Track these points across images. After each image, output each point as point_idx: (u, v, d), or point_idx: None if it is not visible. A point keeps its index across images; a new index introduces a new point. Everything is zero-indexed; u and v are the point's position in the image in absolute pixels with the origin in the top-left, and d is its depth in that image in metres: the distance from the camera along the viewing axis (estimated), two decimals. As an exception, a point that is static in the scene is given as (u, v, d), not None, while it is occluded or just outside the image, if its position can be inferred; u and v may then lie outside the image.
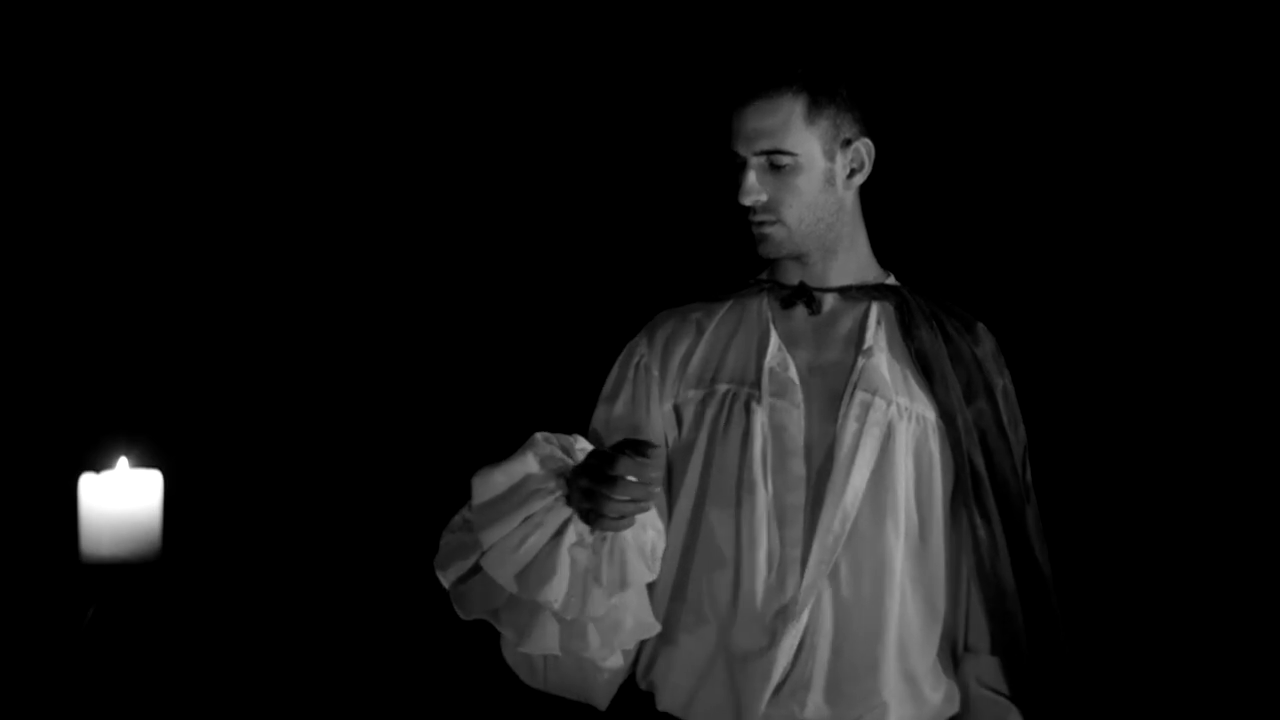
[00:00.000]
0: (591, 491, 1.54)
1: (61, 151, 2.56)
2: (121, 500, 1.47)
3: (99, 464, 1.48)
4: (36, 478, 2.33)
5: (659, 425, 1.84)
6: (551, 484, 1.60)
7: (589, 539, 1.59)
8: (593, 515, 1.55)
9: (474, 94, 2.66)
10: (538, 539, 1.58)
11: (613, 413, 1.87)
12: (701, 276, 2.07)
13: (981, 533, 1.78)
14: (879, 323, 1.86)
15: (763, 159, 1.79)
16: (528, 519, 1.59)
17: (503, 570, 1.58)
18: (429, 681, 2.56)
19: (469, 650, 2.54)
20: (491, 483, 1.62)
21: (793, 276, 1.89)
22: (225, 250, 2.61)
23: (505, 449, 2.56)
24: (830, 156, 1.81)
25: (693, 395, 1.84)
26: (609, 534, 1.58)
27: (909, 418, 1.79)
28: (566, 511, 1.59)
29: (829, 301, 1.88)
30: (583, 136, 2.63)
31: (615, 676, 1.78)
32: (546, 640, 1.64)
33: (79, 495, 1.47)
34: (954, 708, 1.80)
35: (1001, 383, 1.88)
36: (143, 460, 1.51)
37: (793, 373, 1.81)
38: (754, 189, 1.79)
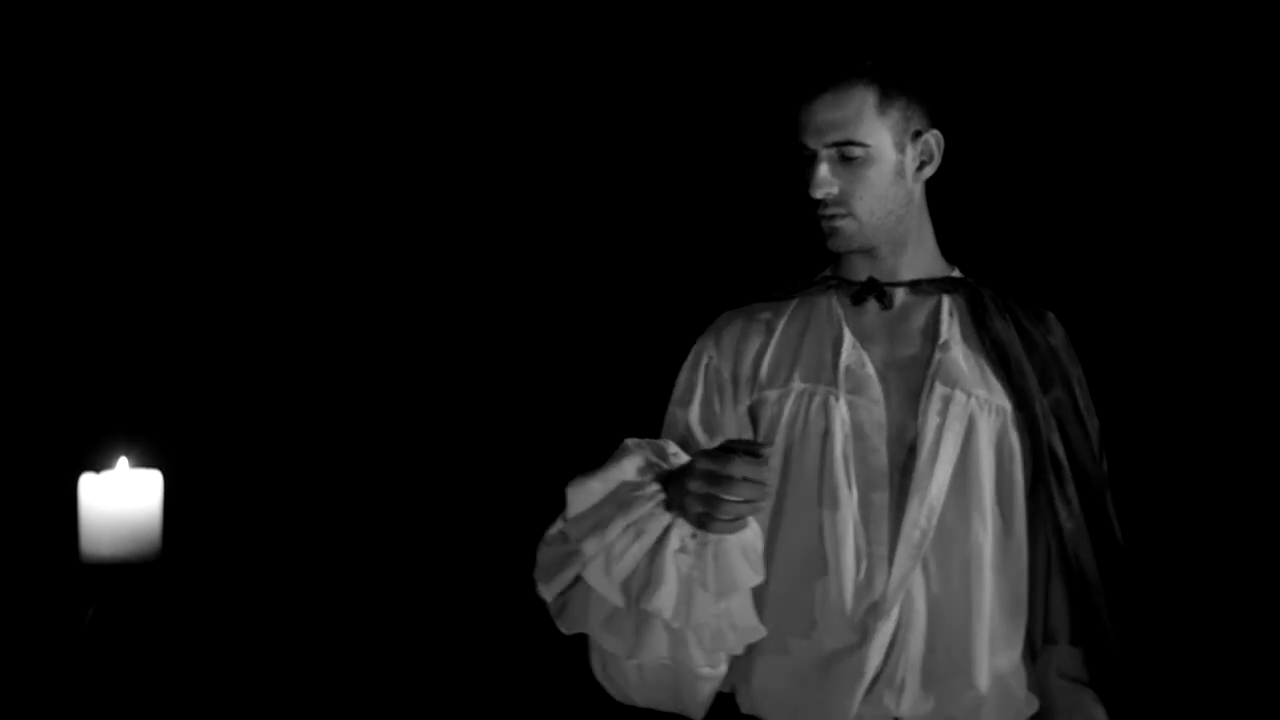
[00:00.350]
0: (707, 495, 1.51)
1: (61, 151, 2.55)
2: (121, 500, 1.47)
3: (99, 464, 1.49)
4: (36, 478, 2.33)
5: (733, 427, 1.83)
6: (649, 490, 1.58)
7: (691, 544, 1.57)
8: (706, 519, 1.53)
9: (527, 90, 2.64)
10: (640, 547, 1.56)
11: (688, 416, 1.84)
12: (757, 275, 2.06)
13: (1066, 522, 1.76)
14: (952, 315, 1.85)
15: (833, 151, 1.77)
16: (628, 527, 1.56)
17: (606, 581, 1.56)
18: (429, 681, 2.55)
19: (469, 650, 2.54)
20: (588, 491, 1.60)
21: (861, 272, 1.88)
22: (225, 250, 2.61)
23: (510, 452, 2.58)
24: (900, 149, 1.80)
25: (768, 396, 1.82)
26: (711, 539, 1.55)
27: (988, 410, 1.78)
28: (667, 517, 1.56)
29: (899, 296, 1.87)
30: (634, 134, 2.61)
31: (714, 684, 1.72)
32: (656, 650, 1.60)
33: (79, 495, 1.47)
34: (1036, 705, 1.77)
35: (1076, 372, 1.87)
36: (143, 460, 1.51)
37: (870, 369, 1.79)
38: (826, 181, 1.78)
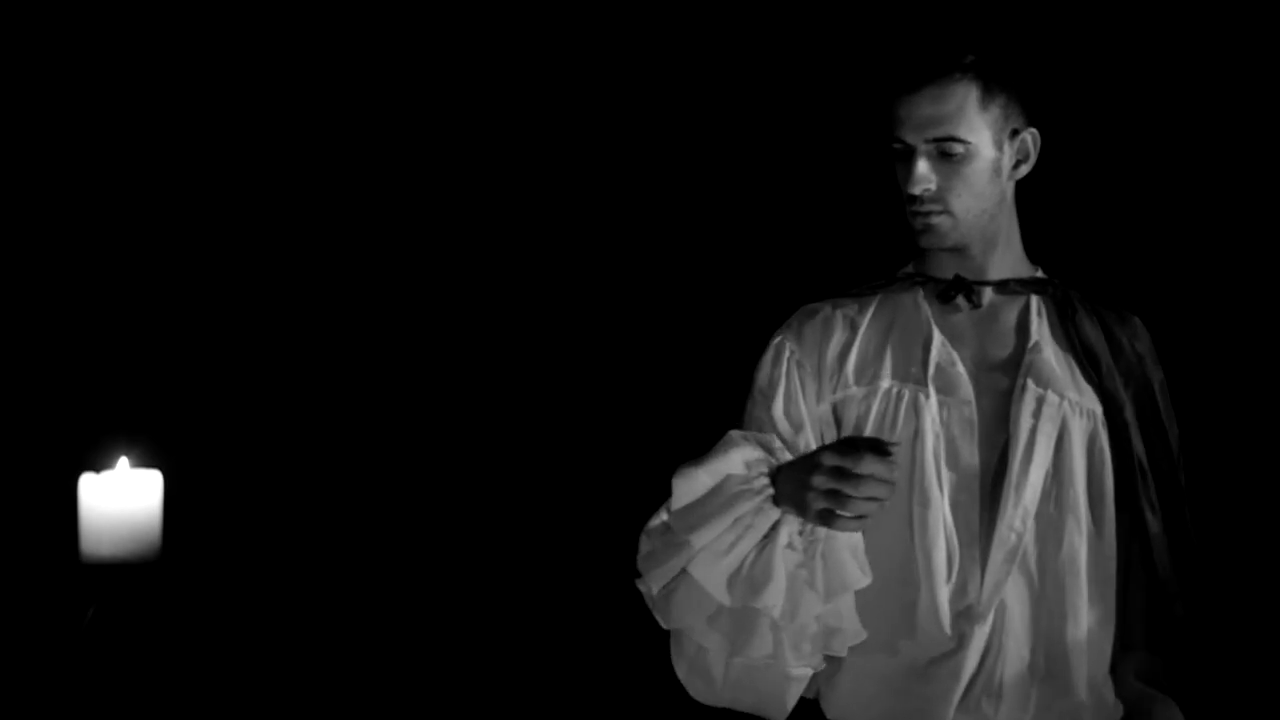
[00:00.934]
0: (833, 491, 1.49)
1: (61, 151, 2.55)
2: (121, 500, 1.46)
3: (99, 464, 1.48)
4: (36, 478, 2.33)
5: (816, 424, 1.78)
6: (758, 484, 1.56)
7: (799, 541, 1.54)
8: (829, 516, 1.50)
9: (597, 83, 2.63)
10: (748, 542, 1.53)
11: (772, 412, 1.78)
12: (822, 271, 2.03)
13: (1153, 527, 1.74)
14: (1040, 316, 1.83)
15: (932, 147, 1.74)
16: (736, 521, 1.54)
17: (713, 576, 1.53)
18: (429, 681, 2.55)
19: (469, 650, 2.54)
20: (696, 483, 1.57)
21: (947, 269, 1.84)
22: (225, 250, 2.61)
23: (511, 452, 2.58)
24: (999, 146, 1.77)
25: (854, 393, 1.77)
26: (820, 537, 1.53)
27: (1080, 413, 1.75)
28: (776, 513, 1.54)
29: (987, 295, 1.84)
30: (702, 130, 2.60)
31: (802, 685, 1.68)
32: (760, 648, 1.57)
33: (79, 495, 1.47)
34: (1121, 712, 1.75)
35: (1159, 377, 1.84)
36: (143, 460, 1.51)
37: (961, 368, 1.76)
38: (925, 177, 1.74)
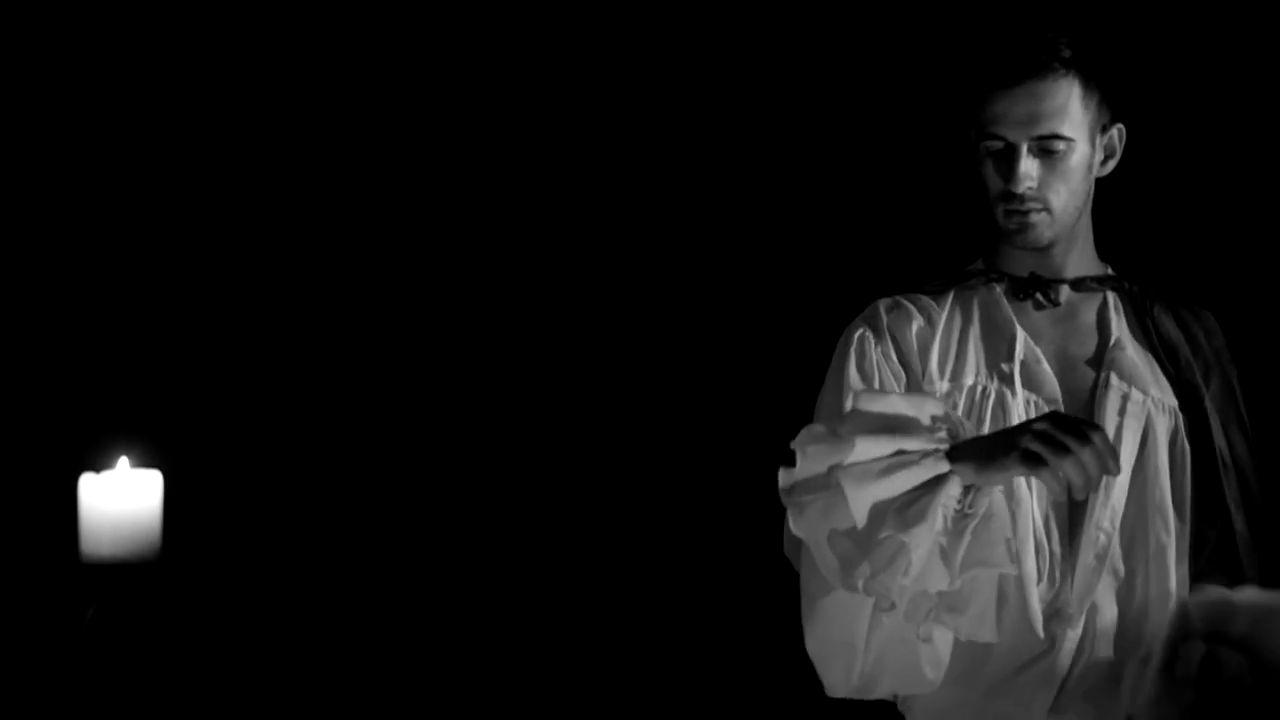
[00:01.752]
0: (1054, 439, 1.46)
1: (61, 151, 2.55)
2: (121, 500, 1.46)
3: (99, 464, 1.48)
4: (36, 478, 2.33)
5: None
6: (939, 434, 1.54)
7: (954, 504, 1.51)
8: (1035, 459, 1.47)
9: (628, 75, 2.61)
10: (907, 478, 1.50)
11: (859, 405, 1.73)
12: (888, 267, 2.01)
13: (1240, 526, 1.70)
14: (1118, 312, 1.82)
15: (1034, 144, 1.71)
16: (901, 452, 1.51)
17: (861, 491, 1.48)
18: (429, 681, 2.55)
19: (469, 650, 2.54)
20: (886, 400, 1.56)
21: (1022, 267, 1.82)
22: (225, 250, 2.61)
23: (512, 453, 2.57)
24: (1092, 142, 1.76)
25: (939, 390, 1.75)
26: (977, 514, 1.50)
27: (1162, 410, 1.74)
28: (946, 466, 1.51)
29: (1065, 293, 1.82)
30: (747, 127, 2.59)
31: (932, 653, 1.60)
32: (885, 580, 1.49)
33: (79, 495, 1.47)
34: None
35: (1235, 373, 1.82)
36: (143, 460, 1.51)
37: (1046, 366, 1.75)
38: (1029, 175, 1.72)
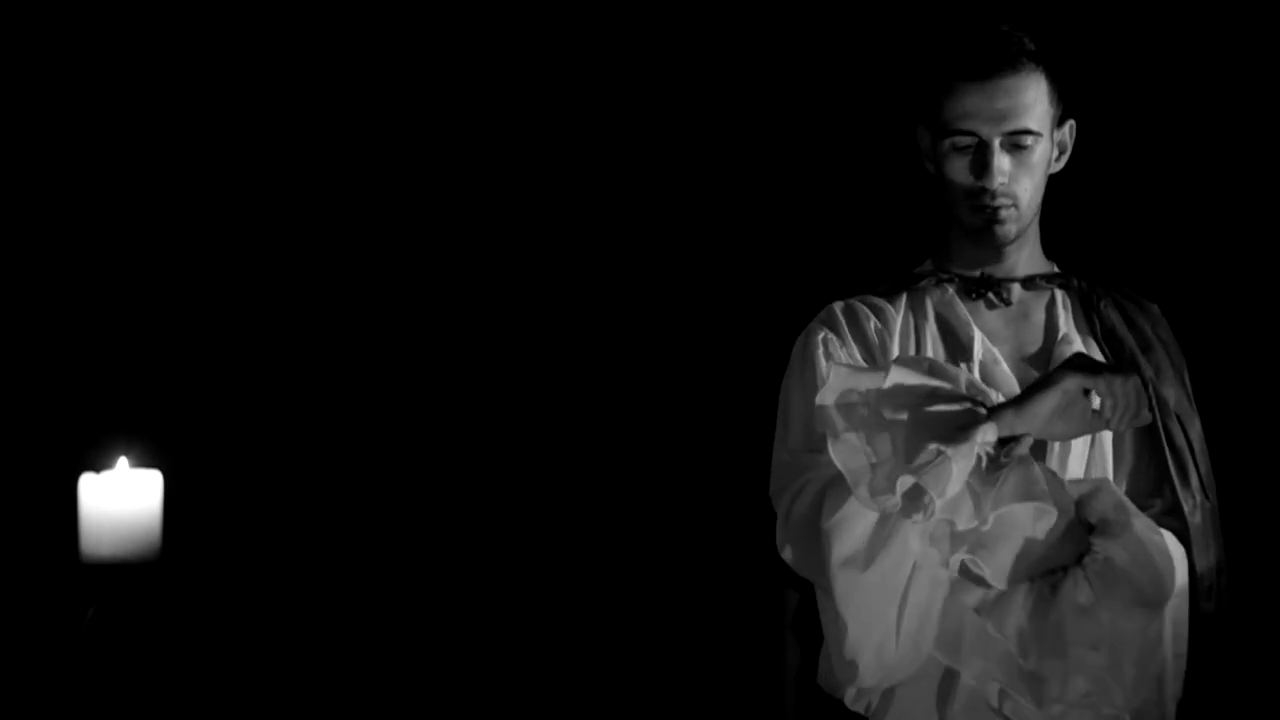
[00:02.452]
0: (1093, 362, 1.59)
1: (61, 151, 2.55)
2: (121, 500, 1.47)
3: (99, 464, 1.49)
4: (36, 478, 2.33)
5: None
6: (977, 397, 1.57)
7: (989, 450, 1.53)
8: (1084, 368, 1.57)
9: (604, 75, 2.61)
10: (945, 413, 1.52)
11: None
12: (818, 271, 2.02)
13: (1193, 516, 1.70)
14: (1066, 309, 1.82)
15: (1005, 139, 1.71)
16: (949, 394, 1.55)
17: (902, 409, 1.53)
18: (429, 681, 2.55)
19: (469, 650, 2.54)
20: (922, 362, 1.60)
21: (974, 266, 1.83)
22: (225, 250, 2.61)
23: (512, 453, 2.58)
24: (1052, 137, 1.76)
25: None
26: (1011, 462, 1.52)
27: None
28: (984, 412, 1.54)
29: (1016, 292, 1.83)
30: (703, 130, 2.58)
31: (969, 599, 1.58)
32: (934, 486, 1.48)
33: (79, 495, 1.47)
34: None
35: (1182, 363, 1.83)
36: (143, 460, 1.51)
37: (1004, 366, 1.75)
38: (1002, 170, 1.71)
